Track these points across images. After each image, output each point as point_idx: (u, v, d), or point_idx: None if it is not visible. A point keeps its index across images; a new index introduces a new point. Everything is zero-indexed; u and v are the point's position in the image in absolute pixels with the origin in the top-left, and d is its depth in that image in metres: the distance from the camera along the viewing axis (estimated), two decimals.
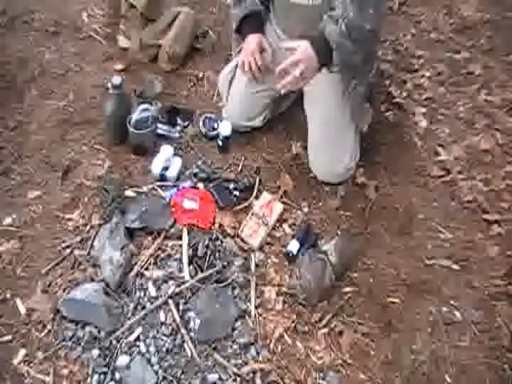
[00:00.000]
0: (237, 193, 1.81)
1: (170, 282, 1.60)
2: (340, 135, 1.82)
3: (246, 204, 1.82)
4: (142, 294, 1.58)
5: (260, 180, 1.89)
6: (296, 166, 1.97)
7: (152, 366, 1.46)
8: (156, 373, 1.45)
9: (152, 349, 1.48)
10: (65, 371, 1.45)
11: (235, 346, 1.53)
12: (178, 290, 1.57)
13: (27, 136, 1.95)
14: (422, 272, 1.76)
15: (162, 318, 1.54)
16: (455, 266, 1.77)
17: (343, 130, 1.82)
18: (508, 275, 1.75)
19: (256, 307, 1.62)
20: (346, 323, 1.62)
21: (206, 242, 1.68)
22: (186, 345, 1.50)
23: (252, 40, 1.79)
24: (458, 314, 1.67)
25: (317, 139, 1.86)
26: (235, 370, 1.47)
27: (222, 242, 1.71)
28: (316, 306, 1.64)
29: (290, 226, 1.81)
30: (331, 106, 1.79)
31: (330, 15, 1.52)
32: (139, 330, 1.52)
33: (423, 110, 2.21)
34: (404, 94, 2.25)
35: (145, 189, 1.82)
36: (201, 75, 2.25)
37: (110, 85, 1.82)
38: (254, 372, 1.49)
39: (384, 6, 1.57)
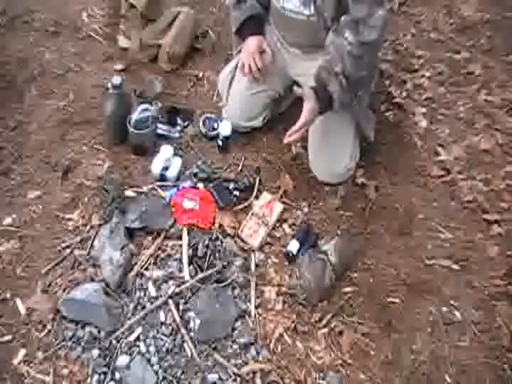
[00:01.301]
0: (237, 193, 1.81)
1: (170, 282, 1.60)
2: (340, 135, 1.82)
3: (246, 204, 1.82)
4: (142, 293, 1.58)
5: (260, 180, 1.89)
6: (296, 166, 1.98)
7: (152, 365, 1.46)
8: (156, 373, 1.45)
9: (152, 349, 1.48)
10: (65, 371, 1.45)
11: (235, 346, 1.53)
12: (178, 290, 1.57)
13: (27, 136, 1.95)
14: (422, 272, 1.76)
15: (162, 318, 1.54)
16: (455, 266, 1.77)
17: (343, 131, 1.82)
18: (508, 275, 1.75)
19: (256, 307, 1.62)
20: (346, 323, 1.62)
21: (206, 242, 1.68)
22: (185, 345, 1.50)
23: (252, 41, 1.79)
24: (458, 314, 1.67)
25: (317, 139, 1.86)
26: (235, 370, 1.47)
27: (221, 242, 1.71)
28: (316, 306, 1.64)
29: (290, 226, 1.81)
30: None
31: (330, 68, 1.56)
32: (139, 330, 1.52)
33: (423, 110, 2.20)
34: (404, 94, 2.25)
35: (145, 189, 1.82)
36: (201, 75, 2.25)
37: (109, 85, 1.82)
38: (254, 372, 1.49)
39: (378, 53, 1.65)
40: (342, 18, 1.52)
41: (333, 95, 1.58)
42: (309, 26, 1.66)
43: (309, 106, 1.61)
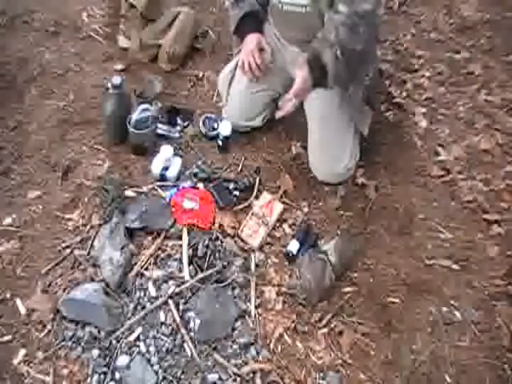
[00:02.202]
0: (237, 193, 1.81)
1: (170, 282, 1.60)
2: (340, 135, 1.82)
3: (246, 204, 1.82)
4: (142, 293, 1.58)
5: (260, 180, 1.89)
6: (296, 166, 1.98)
7: (152, 366, 1.46)
8: (156, 373, 1.45)
9: (152, 349, 1.48)
10: (65, 371, 1.45)
11: (235, 346, 1.53)
12: (178, 290, 1.57)
13: (27, 136, 1.96)
14: (422, 272, 1.76)
15: (162, 318, 1.54)
16: (455, 266, 1.77)
17: (343, 130, 1.82)
18: (508, 275, 1.75)
19: (256, 307, 1.62)
20: (346, 323, 1.62)
21: (206, 242, 1.68)
22: (185, 345, 1.50)
23: (251, 39, 1.80)
24: (458, 314, 1.67)
25: (317, 139, 1.86)
26: (235, 370, 1.47)
27: (222, 242, 1.71)
28: (316, 306, 1.64)
29: (290, 226, 1.81)
30: (331, 106, 1.79)
31: (324, 38, 1.55)
32: (139, 330, 1.52)
33: (423, 109, 2.20)
34: (404, 94, 2.25)
35: (145, 189, 1.83)
36: (201, 75, 2.25)
37: (109, 85, 1.82)
38: (254, 372, 1.49)
39: (374, 24, 1.57)
40: None
41: (326, 66, 1.54)
42: (306, 18, 1.65)
43: (302, 73, 1.57)
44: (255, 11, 1.81)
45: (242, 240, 1.74)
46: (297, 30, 1.76)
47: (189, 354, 1.49)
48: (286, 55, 1.87)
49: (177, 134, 2.01)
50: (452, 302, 1.69)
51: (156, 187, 1.83)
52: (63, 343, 1.49)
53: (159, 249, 1.68)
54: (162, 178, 1.85)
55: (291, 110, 1.64)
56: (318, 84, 1.61)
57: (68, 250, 1.67)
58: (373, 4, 1.48)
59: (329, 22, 1.54)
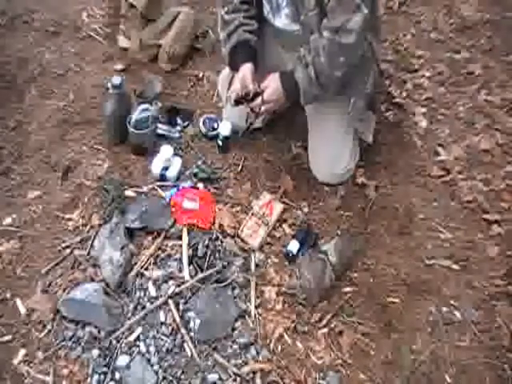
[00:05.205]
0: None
1: (170, 282, 1.60)
2: (340, 136, 1.82)
3: (246, 205, 1.82)
4: (142, 293, 1.58)
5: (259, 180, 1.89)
6: (296, 166, 1.97)
7: (152, 366, 1.46)
8: (156, 373, 1.45)
9: (152, 349, 1.48)
10: (65, 371, 1.45)
11: (235, 346, 1.53)
12: (178, 290, 1.57)
13: (27, 136, 1.96)
14: (422, 272, 1.76)
15: (162, 318, 1.54)
16: (455, 266, 1.77)
17: (343, 131, 1.82)
18: (508, 275, 1.75)
19: (256, 307, 1.62)
20: (346, 323, 1.62)
21: (206, 242, 1.68)
22: (185, 345, 1.50)
23: (242, 73, 1.69)
24: (458, 314, 1.67)
25: (317, 140, 1.86)
26: (235, 370, 1.47)
27: (222, 242, 1.70)
28: (316, 306, 1.64)
29: (289, 226, 1.81)
30: (331, 107, 1.79)
31: (300, 57, 1.59)
32: (139, 330, 1.52)
33: (423, 109, 2.20)
34: (404, 94, 2.25)
35: (145, 189, 1.83)
36: (201, 75, 2.25)
37: (109, 85, 1.82)
38: (254, 372, 1.49)
39: (356, 55, 1.59)
40: (323, 22, 1.54)
41: (298, 82, 1.59)
42: (301, 38, 1.67)
43: (273, 85, 1.64)
44: (242, 40, 1.72)
45: (242, 240, 1.74)
46: (293, 45, 1.77)
47: (189, 354, 1.49)
48: (287, 56, 1.86)
49: (177, 134, 2.01)
50: (452, 301, 1.69)
51: (156, 187, 1.83)
52: (63, 343, 1.49)
53: (159, 249, 1.68)
54: (162, 178, 1.85)
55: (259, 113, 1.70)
56: (290, 97, 1.65)
57: (68, 250, 1.67)
58: (355, 38, 1.50)
59: (312, 42, 1.57)
